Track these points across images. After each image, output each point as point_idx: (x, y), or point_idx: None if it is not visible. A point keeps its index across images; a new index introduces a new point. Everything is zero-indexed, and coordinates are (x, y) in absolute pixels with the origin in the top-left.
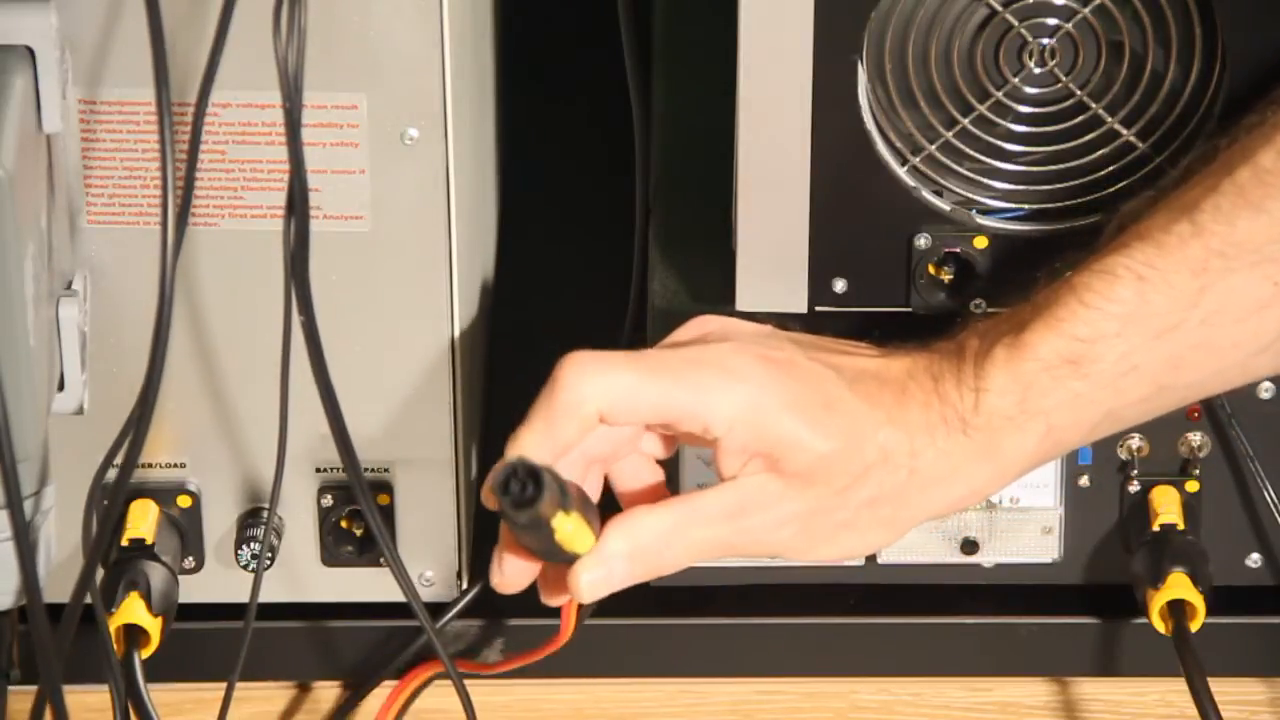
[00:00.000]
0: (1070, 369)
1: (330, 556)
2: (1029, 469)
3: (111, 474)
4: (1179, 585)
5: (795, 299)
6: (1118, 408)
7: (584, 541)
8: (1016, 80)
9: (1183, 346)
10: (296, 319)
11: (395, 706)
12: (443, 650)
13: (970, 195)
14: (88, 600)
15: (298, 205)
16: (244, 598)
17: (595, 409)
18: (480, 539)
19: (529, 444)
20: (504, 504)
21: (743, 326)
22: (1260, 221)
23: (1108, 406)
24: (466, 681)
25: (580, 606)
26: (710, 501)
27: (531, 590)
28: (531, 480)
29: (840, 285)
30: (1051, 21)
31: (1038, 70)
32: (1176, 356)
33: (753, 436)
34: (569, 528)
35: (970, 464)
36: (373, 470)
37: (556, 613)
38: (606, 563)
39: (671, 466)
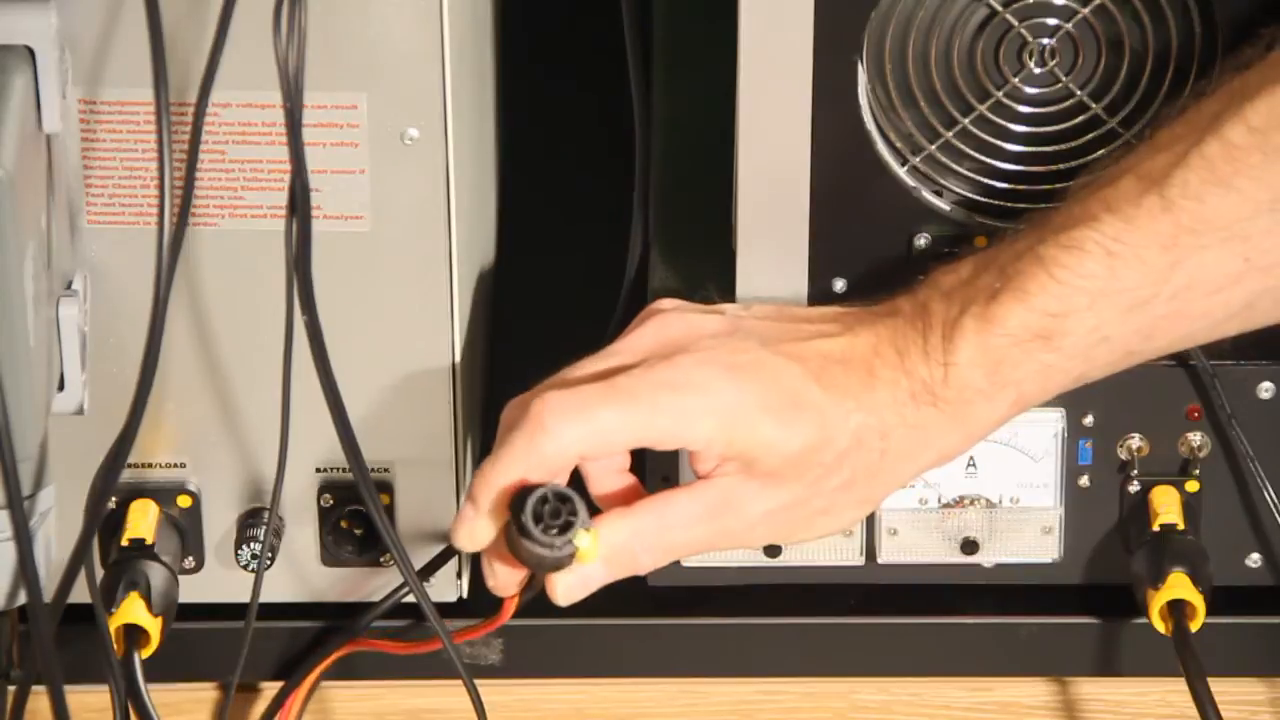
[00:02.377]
0: (1041, 343)
1: (330, 556)
2: (997, 428)
3: (101, 474)
4: (1179, 585)
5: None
6: (1087, 372)
7: (592, 556)
8: (1016, 80)
9: (1153, 318)
10: (299, 318)
11: (300, 698)
12: (454, 650)
13: (970, 195)
14: (87, 600)
15: (300, 205)
16: (244, 598)
17: (577, 453)
18: None
19: (505, 483)
20: (533, 530)
21: (703, 325)
22: (1230, 199)
23: (1077, 373)
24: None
25: (524, 592)
26: (685, 504)
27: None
28: (564, 505)
29: (840, 285)
30: (1051, 21)
31: (1038, 70)
32: (1147, 327)
33: (726, 444)
34: (587, 544)
35: (940, 433)
36: (373, 470)
37: (557, 612)
38: (585, 583)
39: (669, 458)
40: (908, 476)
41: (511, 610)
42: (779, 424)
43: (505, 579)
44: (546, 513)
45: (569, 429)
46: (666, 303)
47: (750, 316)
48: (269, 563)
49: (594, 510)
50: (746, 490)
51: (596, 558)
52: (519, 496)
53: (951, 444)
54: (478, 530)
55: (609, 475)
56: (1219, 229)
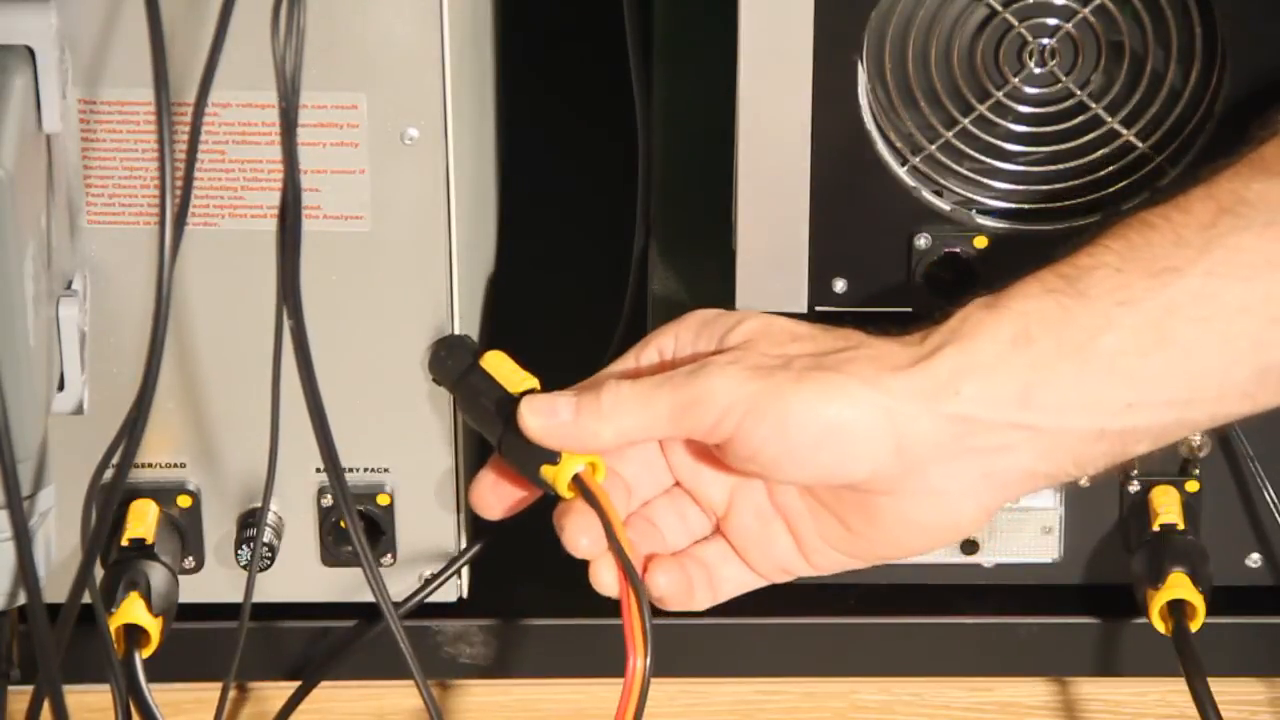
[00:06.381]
0: (1060, 281)
1: (330, 556)
2: (1009, 387)
3: (111, 474)
4: (1179, 585)
5: (795, 299)
6: (1111, 352)
7: (516, 376)
8: (1016, 80)
9: (1184, 295)
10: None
11: None
12: (407, 646)
13: (970, 195)
14: (87, 600)
15: (291, 206)
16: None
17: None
18: (481, 537)
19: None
20: (435, 365)
21: (773, 326)
22: (1273, 185)
23: (1101, 341)
24: (467, 681)
25: (639, 612)
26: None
27: (533, 591)
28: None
29: (840, 285)
30: (1051, 21)
31: (1038, 70)
32: (1175, 304)
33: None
34: (496, 362)
35: (928, 358)
36: (373, 471)
37: (557, 612)
38: (552, 399)
39: None
40: (894, 402)
41: (638, 646)
42: (749, 314)
43: (484, 489)
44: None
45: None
46: None
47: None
48: (267, 563)
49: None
50: (712, 361)
51: (527, 383)
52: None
53: (942, 372)
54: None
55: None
56: (1261, 211)
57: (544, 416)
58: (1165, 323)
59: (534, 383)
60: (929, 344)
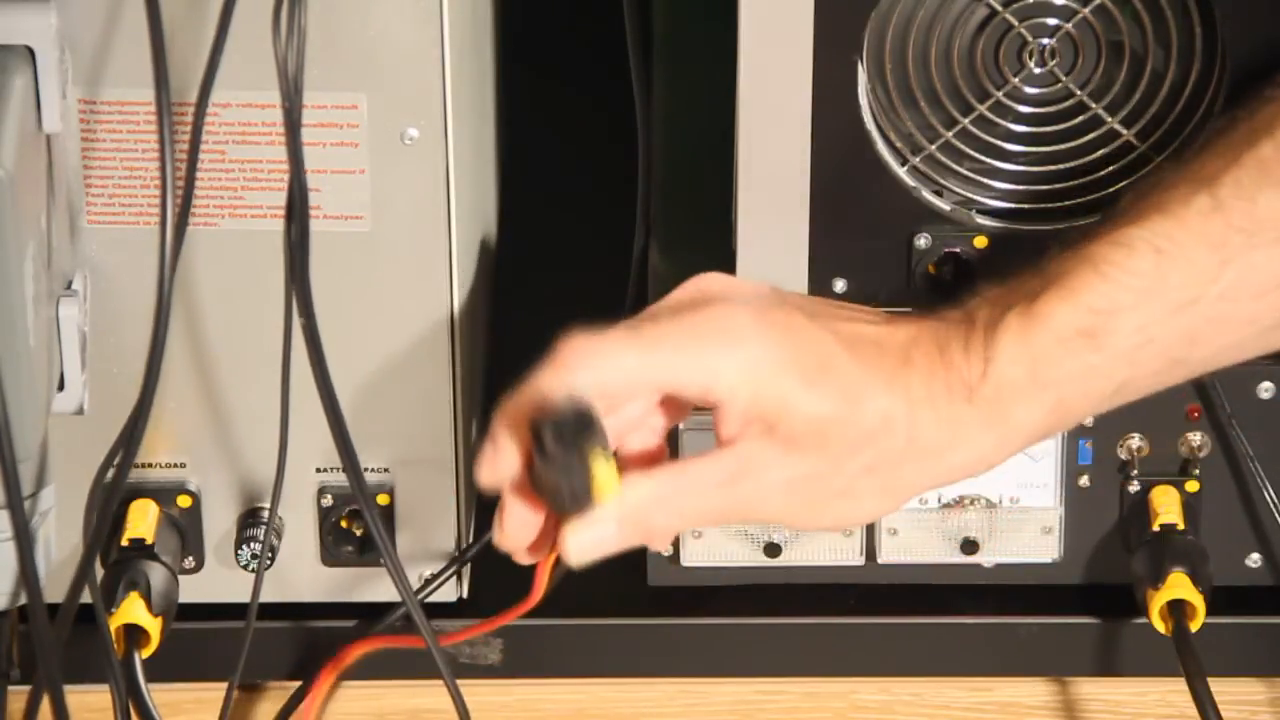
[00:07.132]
0: (1084, 341)
1: (330, 556)
2: (1035, 440)
3: (112, 474)
4: (1179, 585)
5: None
6: (1130, 380)
7: (612, 488)
8: (1016, 80)
9: (1200, 320)
10: (297, 321)
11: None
12: (439, 653)
13: (970, 195)
14: (87, 599)
15: (298, 207)
16: (244, 598)
17: (596, 393)
18: (481, 537)
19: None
20: (549, 436)
21: (742, 286)
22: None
23: (1120, 379)
24: (467, 681)
25: (554, 567)
26: (703, 469)
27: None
28: (585, 428)
29: (840, 285)
30: (1051, 21)
31: (1038, 70)
32: (1193, 330)
33: (750, 398)
34: (605, 469)
35: (973, 432)
36: (373, 471)
37: (557, 612)
38: (595, 526)
39: (670, 442)
40: (937, 476)
41: (541, 590)
42: (805, 384)
43: (515, 527)
44: (567, 433)
45: (587, 367)
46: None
47: (791, 294)
48: (269, 563)
49: None
50: (767, 455)
51: (616, 492)
52: (541, 415)
53: (985, 447)
54: (500, 463)
55: (639, 433)
56: (1270, 228)
57: (594, 552)
58: (1184, 350)
59: (616, 493)
60: (971, 424)
